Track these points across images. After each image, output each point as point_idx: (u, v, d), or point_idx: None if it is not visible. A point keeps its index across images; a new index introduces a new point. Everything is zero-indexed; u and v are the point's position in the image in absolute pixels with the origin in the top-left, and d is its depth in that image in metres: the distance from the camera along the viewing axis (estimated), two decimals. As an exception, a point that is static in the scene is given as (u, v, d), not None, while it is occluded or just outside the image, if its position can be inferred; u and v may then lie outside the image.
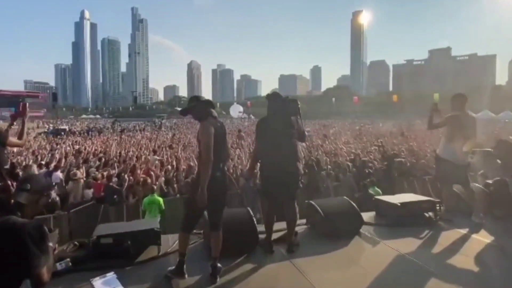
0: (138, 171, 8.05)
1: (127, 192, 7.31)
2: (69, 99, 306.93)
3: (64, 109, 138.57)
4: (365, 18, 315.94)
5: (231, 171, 8.32)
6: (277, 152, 3.13)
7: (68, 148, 14.68)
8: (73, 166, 9.47)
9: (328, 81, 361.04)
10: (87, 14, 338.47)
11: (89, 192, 7.58)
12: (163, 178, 7.86)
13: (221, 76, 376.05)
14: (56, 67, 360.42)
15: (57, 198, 7.27)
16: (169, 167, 8.77)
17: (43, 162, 9.75)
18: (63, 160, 10.09)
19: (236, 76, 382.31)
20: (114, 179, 8.02)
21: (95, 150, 12.81)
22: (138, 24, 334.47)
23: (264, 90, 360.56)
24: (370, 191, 6.64)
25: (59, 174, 8.02)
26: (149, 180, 7.34)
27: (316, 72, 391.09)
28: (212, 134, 2.71)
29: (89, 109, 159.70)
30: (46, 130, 33.52)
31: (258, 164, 3.51)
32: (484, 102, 57.69)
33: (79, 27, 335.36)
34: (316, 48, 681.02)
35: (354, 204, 3.59)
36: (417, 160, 9.43)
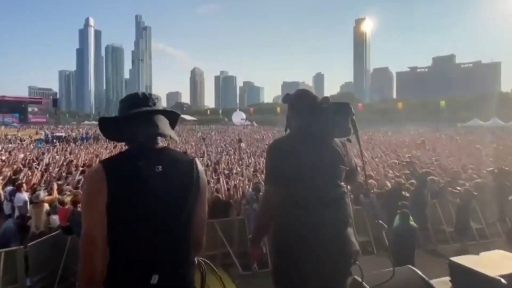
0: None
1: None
2: (72, 105, 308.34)
3: (67, 115, 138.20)
4: (368, 26, 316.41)
5: (232, 192, 6.94)
6: (316, 212, 1.63)
7: (57, 156, 13.38)
8: (47, 182, 8.12)
9: (331, 88, 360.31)
10: (91, 22, 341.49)
11: (56, 219, 6.20)
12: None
13: (224, 82, 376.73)
14: (60, 74, 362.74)
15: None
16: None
17: (14, 177, 8.41)
18: (38, 175, 8.71)
19: (239, 83, 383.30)
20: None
21: (83, 160, 11.46)
22: (142, 31, 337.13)
23: (267, 97, 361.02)
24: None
25: (23, 195, 6.63)
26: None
27: (319, 79, 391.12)
28: (92, 218, 1.12)
29: (92, 115, 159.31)
30: (41, 137, 32.38)
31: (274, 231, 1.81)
32: (492, 109, 56.28)
33: (83, 34, 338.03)
34: (318, 55, 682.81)
35: (429, 281, 2.16)
36: (451, 178, 7.99)
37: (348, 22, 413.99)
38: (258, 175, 7.20)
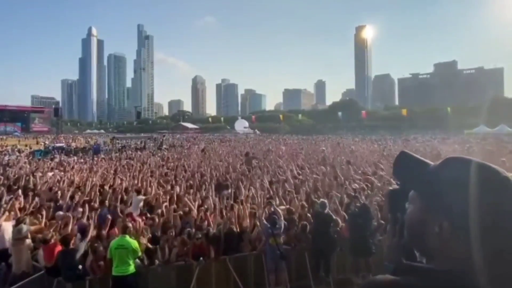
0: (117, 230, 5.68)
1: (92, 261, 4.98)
2: (75, 113, 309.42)
3: (69, 124, 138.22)
4: (369, 33, 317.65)
5: (248, 223, 5.99)
6: None
7: (50, 173, 12.47)
8: (36, 207, 7.21)
9: (333, 95, 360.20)
10: (94, 31, 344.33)
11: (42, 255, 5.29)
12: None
13: (226, 90, 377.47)
14: (63, 83, 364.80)
15: None
16: (159, 213, 6.43)
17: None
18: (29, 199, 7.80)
19: (240, 91, 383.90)
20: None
21: (77, 180, 10.53)
22: (143, 40, 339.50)
23: (269, 104, 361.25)
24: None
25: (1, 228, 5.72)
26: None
27: (320, 86, 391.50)
28: None
29: (94, 124, 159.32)
30: (41, 147, 31.62)
31: None
32: (498, 116, 55.44)
33: (86, 43, 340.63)
34: (320, 63, 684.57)
35: None
36: None
37: (348, 30, 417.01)
38: (273, 202, 6.28)
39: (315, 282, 5.59)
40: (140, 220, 6.10)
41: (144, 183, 9.07)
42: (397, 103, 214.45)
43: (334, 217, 5.94)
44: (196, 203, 7.14)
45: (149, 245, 5.33)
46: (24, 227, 5.17)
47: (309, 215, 6.21)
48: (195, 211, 6.48)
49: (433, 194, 0.73)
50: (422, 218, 0.74)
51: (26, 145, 32.70)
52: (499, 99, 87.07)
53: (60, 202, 7.62)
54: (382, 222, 6.17)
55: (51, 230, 5.28)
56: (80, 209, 6.71)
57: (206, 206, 6.64)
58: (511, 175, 0.70)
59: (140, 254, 4.97)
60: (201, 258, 5.18)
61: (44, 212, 6.50)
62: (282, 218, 5.70)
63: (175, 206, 6.98)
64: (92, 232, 5.61)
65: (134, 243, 4.91)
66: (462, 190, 0.67)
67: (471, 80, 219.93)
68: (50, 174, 12.33)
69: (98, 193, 7.88)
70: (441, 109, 78.53)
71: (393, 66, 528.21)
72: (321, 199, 6.37)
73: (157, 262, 5.20)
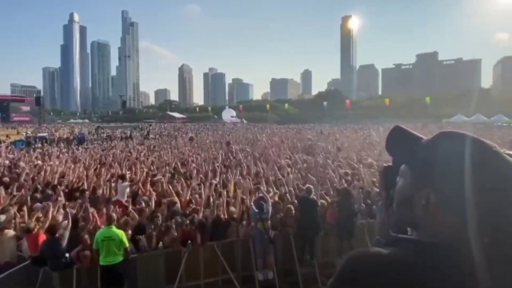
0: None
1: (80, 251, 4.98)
2: (57, 103, 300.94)
3: (51, 113, 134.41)
4: (354, 23, 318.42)
5: (233, 211, 6.07)
6: None
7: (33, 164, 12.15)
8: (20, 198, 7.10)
9: (319, 85, 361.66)
10: (76, 17, 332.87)
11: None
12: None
13: (213, 79, 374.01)
14: (44, 71, 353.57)
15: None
16: (145, 200, 6.44)
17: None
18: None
19: (228, 80, 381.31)
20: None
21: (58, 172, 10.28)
22: (128, 27, 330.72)
23: (256, 93, 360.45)
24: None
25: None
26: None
27: (306, 76, 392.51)
28: None
29: (78, 114, 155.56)
30: (22, 138, 30.72)
31: None
32: (475, 105, 57.07)
33: (68, 29, 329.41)
34: (306, 52, 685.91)
35: None
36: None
37: (334, 20, 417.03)
38: (261, 188, 6.39)
39: (300, 265, 5.77)
40: (119, 207, 6.08)
41: (132, 169, 9.03)
42: (380, 92, 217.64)
43: (319, 202, 6.12)
44: (183, 189, 7.17)
45: (137, 237, 5.36)
46: (2, 217, 5.11)
47: (295, 200, 6.34)
48: (182, 198, 6.53)
49: (423, 168, 0.72)
50: (411, 191, 0.74)
51: (6, 136, 31.64)
52: (476, 89, 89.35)
53: (49, 192, 7.50)
54: (363, 205, 6.39)
55: (33, 220, 5.24)
56: (61, 198, 6.66)
57: (193, 193, 6.69)
58: (503, 151, 0.68)
59: (127, 245, 4.95)
60: (189, 242, 5.25)
61: (25, 207, 6.40)
62: (270, 202, 5.78)
63: (163, 194, 6.99)
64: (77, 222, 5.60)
65: (121, 233, 4.89)
66: (450, 165, 0.67)
67: (451, 70, 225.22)
68: (32, 165, 12.07)
69: (84, 182, 7.79)
70: (421, 98, 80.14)
71: (377, 56, 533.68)
72: (307, 185, 6.52)
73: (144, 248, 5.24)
